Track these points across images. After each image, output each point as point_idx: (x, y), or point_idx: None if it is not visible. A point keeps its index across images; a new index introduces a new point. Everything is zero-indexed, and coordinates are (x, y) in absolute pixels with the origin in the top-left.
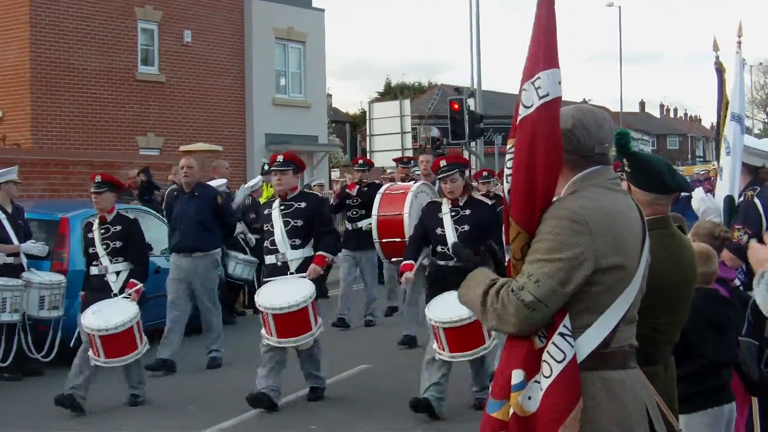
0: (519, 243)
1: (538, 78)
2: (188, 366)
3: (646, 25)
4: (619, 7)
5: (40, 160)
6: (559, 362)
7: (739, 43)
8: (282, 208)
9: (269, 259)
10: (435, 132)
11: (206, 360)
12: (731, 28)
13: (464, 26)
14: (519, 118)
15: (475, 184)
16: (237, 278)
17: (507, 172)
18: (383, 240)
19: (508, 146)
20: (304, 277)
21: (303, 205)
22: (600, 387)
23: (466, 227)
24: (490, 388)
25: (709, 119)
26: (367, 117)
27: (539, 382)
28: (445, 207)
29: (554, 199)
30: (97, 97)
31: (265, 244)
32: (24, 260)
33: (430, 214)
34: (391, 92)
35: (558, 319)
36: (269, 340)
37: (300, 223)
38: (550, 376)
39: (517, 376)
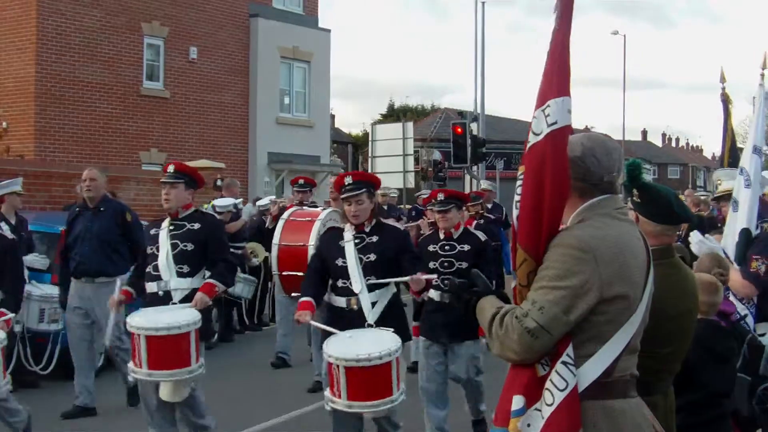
0: (525, 269)
1: (548, 106)
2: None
3: (649, 52)
4: (624, 35)
5: (42, 172)
6: (561, 390)
7: (762, 75)
8: (171, 228)
9: (150, 287)
10: (437, 155)
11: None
12: (738, 59)
13: (469, 50)
14: (528, 145)
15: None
16: (236, 296)
17: (516, 198)
18: (283, 273)
19: (518, 173)
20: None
21: (196, 226)
22: (601, 416)
23: (372, 257)
24: (493, 414)
25: (710, 149)
26: (370, 138)
27: (540, 410)
28: (348, 234)
29: (561, 227)
30: (102, 111)
31: (147, 269)
32: (26, 272)
33: (329, 242)
34: (394, 114)
35: (561, 348)
36: (137, 373)
37: (190, 247)
38: (552, 404)
39: (517, 402)
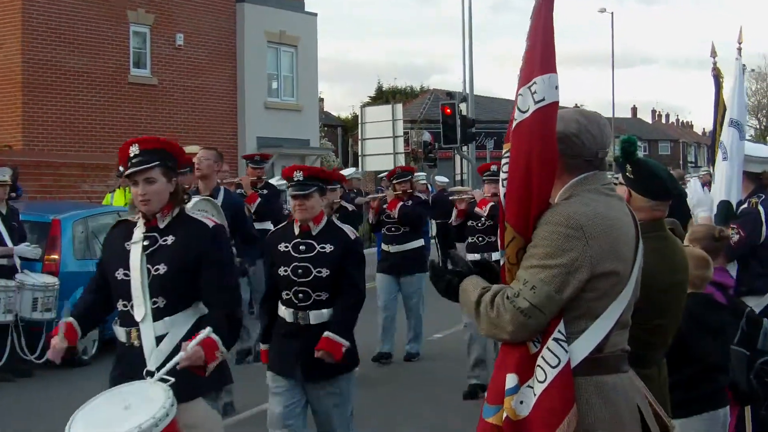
0: (514, 247)
1: (535, 83)
2: None
3: (637, 28)
4: (612, 13)
5: (31, 162)
6: (553, 367)
7: (739, 49)
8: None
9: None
10: (427, 136)
11: None
12: (727, 33)
13: (455, 31)
14: (514, 123)
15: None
16: None
17: (503, 176)
18: None
19: (503, 151)
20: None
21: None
22: (594, 392)
23: (162, 268)
24: (486, 394)
25: (701, 125)
26: (359, 121)
27: (532, 387)
28: (138, 232)
29: (548, 203)
30: (89, 99)
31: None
32: (17, 262)
33: (114, 243)
34: (382, 96)
35: (553, 325)
36: None
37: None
38: (544, 381)
39: (510, 380)
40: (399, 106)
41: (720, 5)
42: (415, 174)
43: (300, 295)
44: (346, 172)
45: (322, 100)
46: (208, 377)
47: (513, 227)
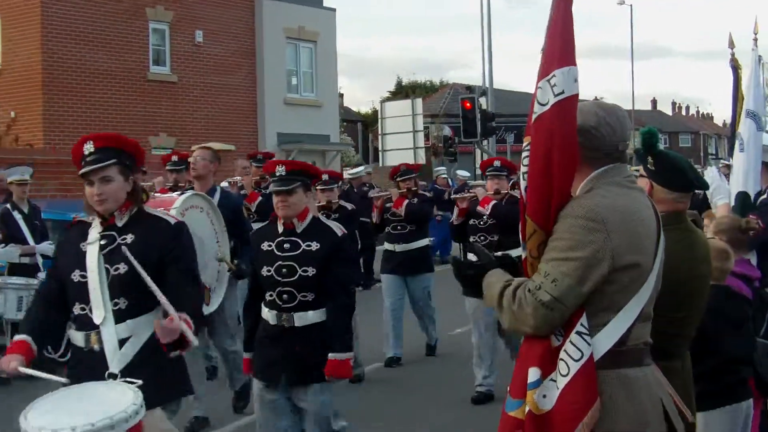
0: (535, 241)
1: (554, 76)
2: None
3: (657, 19)
4: (631, 5)
5: (52, 160)
6: (576, 361)
7: (755, 39)
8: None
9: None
10: (447, 131)
11: None
12: (746, 24)
13: (473, 24)
14: (534, 116)
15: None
16: None
17: (523, 170)
18: None
19: (524, 144)
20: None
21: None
22: (617, 385)
23: (122, 268)
24: (509, 387)
25: (721, 116)
26: (379, 116)
27: (555, 381)
28: (93, 232)
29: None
30: (109, 97)
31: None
32: (39, 260)
33: (69, 244)
34: (402, 91)
35: (575, 318)
36: None
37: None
38: (567, 374)
39: (533, 374)
40: (419, 101)
41: None
42: (436, 169)
43: (284, 296)
44: (355, 170)
45: (341, 95)
46: (168, 386)
47: (534, 221)
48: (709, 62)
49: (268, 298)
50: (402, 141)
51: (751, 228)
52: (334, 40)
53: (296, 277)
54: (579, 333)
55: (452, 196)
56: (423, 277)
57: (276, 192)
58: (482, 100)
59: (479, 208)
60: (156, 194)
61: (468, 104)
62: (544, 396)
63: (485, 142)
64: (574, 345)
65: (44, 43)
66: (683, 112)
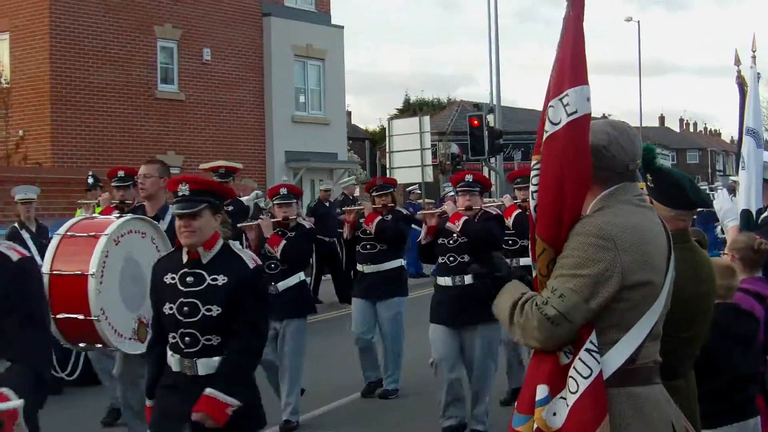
0: (545, 259)
1: (566, 95)
2: None
3: (664, 35)
4: (638, 21)
5: (60, 179)
6: (585, 378)
7: (754, 57)
8: None
9: None
10: (455, 148)
11: None
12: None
13: (481, 41)
14: (545, 135)
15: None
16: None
17: (533, 188)
18: (58, 315)
19: (532, 162)
20: None
21: None
22: (626, 403)
23: None
24: (516, 401)
25: (729, 133)
26: (387, 133)
27: (565, 398)
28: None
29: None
30: (117, 115)
31: None
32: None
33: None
34: (410, 108)
35: (585, 335)
36: None
37: None
38: (576, 392)
39: (541, 391)
40: (426, 119)
41: (746, 13)
42: (444, 185)
43: (187, 338)
44: (345, 180)
45: (349, 113)
46: None
47: (543, 239)
48: (717, 78)
49: (171, 340)
50: (410, 159)
51: (765, 249)
52: (342, 57)
53: (199, 316)
54: (588, 350)
55: (418, 213)
56: (392, 302)
57: (178, 215)
58: (490, 118)
59: (449, 224)
60: (96, 215)
61: (475, 122)
62: (554, 414)
63: (493, 160)
64: (584, 362)
65: (53, 62)
66: (691, 129)
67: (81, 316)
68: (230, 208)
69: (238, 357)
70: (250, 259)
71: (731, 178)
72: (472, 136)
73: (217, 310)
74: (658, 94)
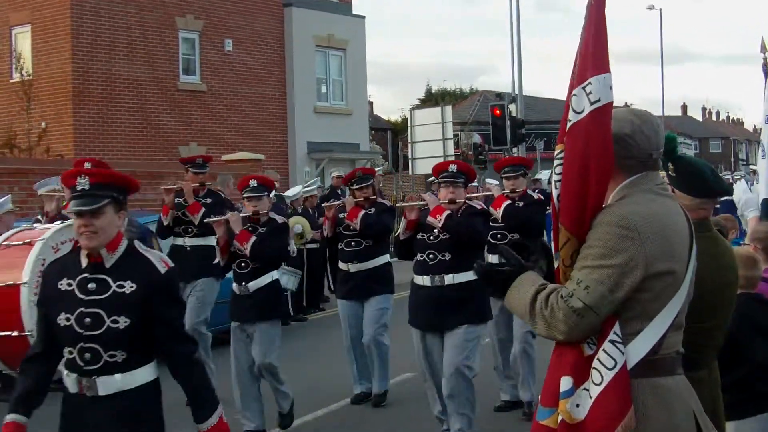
0: (569, 249)
1: (589, 83)
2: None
3: (686, 24)
4: (660, 9)
5: None
6: (609, 369)
7: (764, 57)
8: None
9: None
10: (477, 138)
11: None
12: None
13: (502, 31)
14: (569, 124)
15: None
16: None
17: (556, 178)
18: None
19: (555, 152)
20: None
21: None
22: (649, 394)
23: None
24: (540, 395)
25: (752, 121)
26: (409, 124)
27: (588, 390)
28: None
29: (603, 204)
30: (139, 107)
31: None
32: None
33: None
34: (432, 98)
35: (608, 326)
36: None
37: None
38: (600, 383)
39: (565, 383)
40: (448, 108)
41: None
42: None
43: (87, 354)
44: (292, 191)
45: (371, 103)
46: None
47: (568, 229)
48: (740, 66)
49: (67, 356)
50: (432, 149)
51: None
52: (363, 47)
53: (103, 329)
54: (612, 341)
55: (398, 205)
56: (380, 299)
57: (77, 213)
58: (512, 107)
59: (430, 218)
60: (41, 221)
61: (497, 111)
62: (578, 405)
63: (515, 150)
64: (608, 353)
65: (74, 54)
66: (713, 118)
67: (15, 333)
68: (208, 200)
69: (193, 373)
70: (159, 261)
71: (750, 166)
72: (494, 125)
73: (125, 321)
74: (681, 82)
